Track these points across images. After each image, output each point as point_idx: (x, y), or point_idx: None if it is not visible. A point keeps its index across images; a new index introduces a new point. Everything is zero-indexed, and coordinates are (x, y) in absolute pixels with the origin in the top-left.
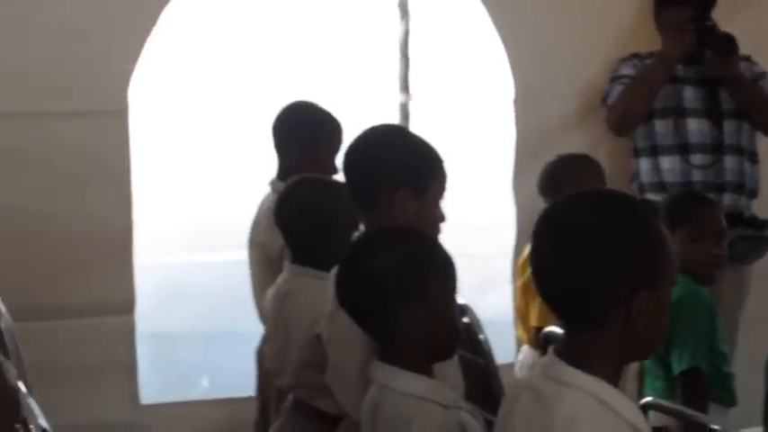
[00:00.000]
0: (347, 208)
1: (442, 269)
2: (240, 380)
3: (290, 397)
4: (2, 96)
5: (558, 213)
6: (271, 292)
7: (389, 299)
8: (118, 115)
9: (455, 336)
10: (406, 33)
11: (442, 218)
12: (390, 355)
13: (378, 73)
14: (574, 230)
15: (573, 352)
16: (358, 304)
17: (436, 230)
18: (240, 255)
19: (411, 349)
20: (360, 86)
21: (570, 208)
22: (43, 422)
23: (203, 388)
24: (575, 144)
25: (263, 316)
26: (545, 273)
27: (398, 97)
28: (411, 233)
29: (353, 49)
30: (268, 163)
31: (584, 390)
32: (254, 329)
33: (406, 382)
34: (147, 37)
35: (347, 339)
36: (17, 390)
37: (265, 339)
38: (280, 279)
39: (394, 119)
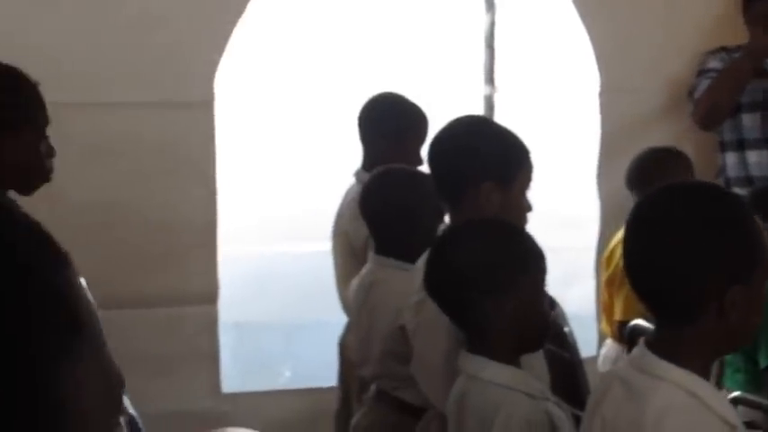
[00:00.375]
0: (433, 199)
1: (532, 262)
2: (322, 370)
3: (373, 387)
4: (87, 87)
5: (654, 206)
6: (355, 282)
7: (479, 290)
8: (203, 106)
9: (544, 328)
10: (492, 25)
11: (528, 208)
12: (478, 346)
13: (463, 65)
14: (670, 224)
15: (665, 345)
16: (447, 295)
17: (523, 221)
18: (324, 246)
19: (499, 340)
20: (445, 78)
21: (666, 200)
22: (131, 410)
23: (285, 378)
24: (659, 138)
25: (347, 306)
26: (639, 266)
27: (483, 89)
28: (502, 225)
29: (439, 41)
30: (353, 154)
31: (676, 383)
32: (337, 320)
33: (494, 372)
34: (233, 27)
35: (433, 330)
36: (122, 377)
37: (348, 329)
38: (364, 270)
39: (479, 111)
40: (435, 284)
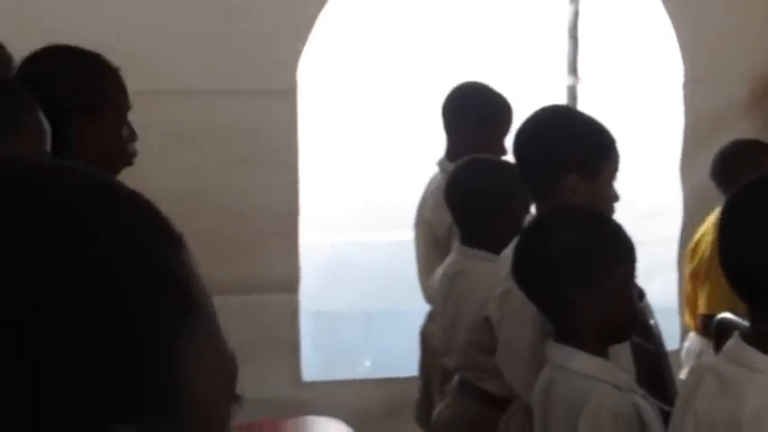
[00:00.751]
0: (519, 189)
1: (622, 253)
2: (402, 360)
3: (456, 378)
4: (170, 75)
5: (748, 198)
6: (439, 272)
7: (569, 280)
8: (286, 95)
9: (633, 319)
10: (576, 15)
11: (615, 197)
12: (566, 336)
13: (546, 55)
14: (766, 215)
15: (761, 338)
16: (536, 285)
17: (609, 211)
18: (405, 235)
19: (588, 331)
20: (528, 68)
21: (760, 192)
22: None
23: (365, 367)
24: (744, 130)
25: (429, 296)
26: (735, 258)
27: (566, 80)
28: (592, 214)
29: (523, 31)
30: (436, 143)
31: None
32: (417, 309)
33: (582, 362)
34: (317, 16)
35: (518, 321)
36: (236, 363)
37: (430, 319)
38: (448, 260)
39: (561, 102)
40: (524, 274)
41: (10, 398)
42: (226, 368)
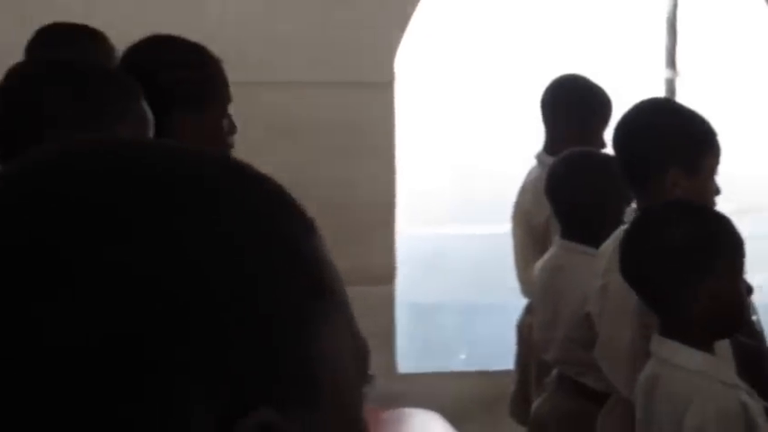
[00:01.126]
0: (619, 183)
1: (730, 247)
2: (498, 353)
3: (555, 372)
4: (270, 67)
5: None
6: (538, 265)
7: (676, 275)
8: (384, 87)
9: (741, 314)
10: (675, 7)
11: (716, 191)
12: (672, 330)
13: (644, 47)
14: None
15: None
16: (643, 279)
17: (711, 205)
18: (501, 228)
19: (695, 325)
20: (625, 61)
21: None
22: None
23: (460, 360)
24: None
25: (527, 289)
26: None
27: (665, 73)
28: (699, 208)
29: (620, 23)
30: (534, 136)
31: None
32: (513, 302)
33: (688, 357)
34: (414, 7)
35: (618, 315)
36: (368, 347)
37: (528, 312)
38: (548, 254)
39: (659, 95)
40: (631, 269)
41: (161, 376)
42: (358, 352)
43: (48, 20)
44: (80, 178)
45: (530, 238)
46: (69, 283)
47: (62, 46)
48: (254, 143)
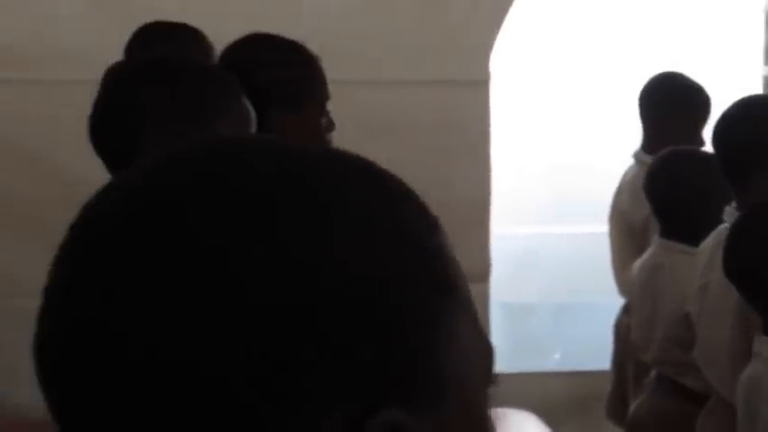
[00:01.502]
0: (719, 182)
1: None
2: (593, 353)
3: (654, 373)
4: (365, 65)
5: None
6: (637, 264)
7: None
8: (479, 85)
9: None
10: None
11: None
12: None
13: (741, 44)
14: None
15: None
16: (747, 279)
17: None
18: (597, 227)
19: None
20: (722, 57)
21: None
22: None
23: (555, 360)
24: None
25: (624, 289)
26: None
27: (762, 69)
28: None
29: (717, 19)
30: (631, 134)
31: None
32: (609, 302)
33: None
34: (509, 6)
35: (718, 315)
36: (493, 347)
37: (625, 312)
38: (647, 253)
39: (757, 92)
40: (735, 269)
41: (290, 374)
42: (484, 351)
43: (144, 19)
44: (233, 178)
45: (627, 237)
46: (235, 288)
47: (160, 45)
48: (350, 141)
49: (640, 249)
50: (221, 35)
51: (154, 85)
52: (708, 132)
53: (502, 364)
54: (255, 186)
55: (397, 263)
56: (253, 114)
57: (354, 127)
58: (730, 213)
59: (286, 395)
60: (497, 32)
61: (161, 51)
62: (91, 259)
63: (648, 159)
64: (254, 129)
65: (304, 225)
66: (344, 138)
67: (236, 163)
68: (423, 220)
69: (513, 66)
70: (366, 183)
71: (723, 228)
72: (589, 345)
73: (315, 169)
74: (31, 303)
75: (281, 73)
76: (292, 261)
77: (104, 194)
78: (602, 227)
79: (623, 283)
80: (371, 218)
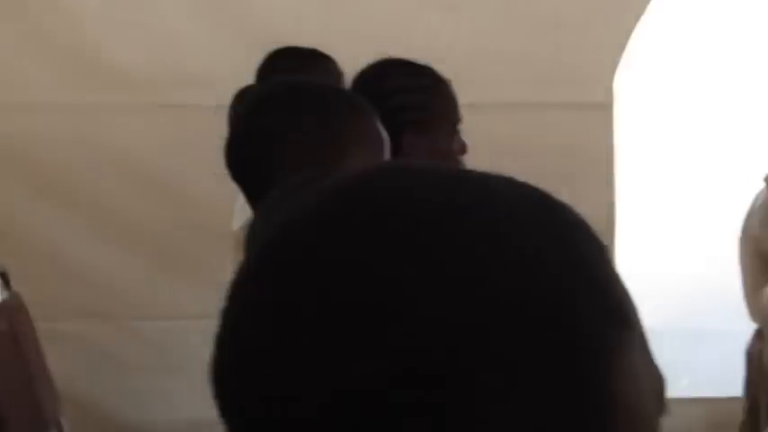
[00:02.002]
0: None
1: None
2: (722, 379)
3: None
4: (487, 88)
5: None
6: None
7: None
8: (603, 108)
9: None
10: None
11: None
12: None
13: None
14: None
15: None
16: None
17: None
18: (726, 251)
19: None
20: None
21: None
22: None
23: (683, 385)
24: None
25: (756, 314)
26: None
27: None
28: None
29: None
30: (762, 156)
31: None
32: (741, 328)
33: None
34: (634, 27)
35: None
36: (664, 378)
37: (757, 338)
38: None
39: None
40: None
41: (449, 390)
42: (656, 380)
43: (263, 43)
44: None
45: (759, 262)
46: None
47: (292, 70)
48: (477, 164)
49: None
50: (351, 60)
51: (295, 112)
52: None
53: None
54: (429, 217)
55: (572, 291)
56: (387, 138)
57: (476, 150)
58: None
59: (443, 415)
60: (622, 54)
61: (294, 77)
62: (283, 288)
63: None
64: (388, 154)
65: (480, 253)
66: (473, 160)
67: (408, 195)
68: (596, 249)
69: (640, 87)
70: (540, 211)
71: None
72: (719, 371)
73: (491, 198)
74: (161, 324)
75: (413, 97)
76: (467, 286)
77: (289, 224)
78: (730, 250)
79: (755, 309)
80: (548, 246)
